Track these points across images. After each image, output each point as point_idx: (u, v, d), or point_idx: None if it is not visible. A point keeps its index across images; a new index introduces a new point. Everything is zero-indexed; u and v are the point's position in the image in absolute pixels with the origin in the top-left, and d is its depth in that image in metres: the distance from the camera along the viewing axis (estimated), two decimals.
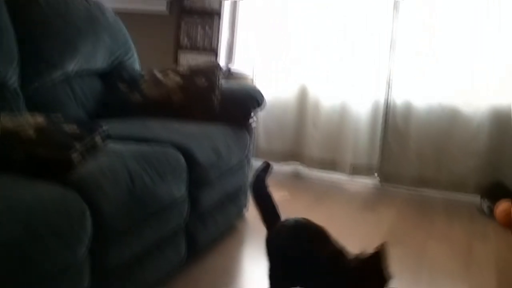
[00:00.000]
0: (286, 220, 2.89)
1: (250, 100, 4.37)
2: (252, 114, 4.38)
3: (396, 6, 5.56)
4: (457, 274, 3.90)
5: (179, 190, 3.20)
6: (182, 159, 3.29)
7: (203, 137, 3.72)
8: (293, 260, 2.72)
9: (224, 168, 3.81)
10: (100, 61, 4.24)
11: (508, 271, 4.12)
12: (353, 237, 4.36)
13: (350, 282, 2.55)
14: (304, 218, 2.89)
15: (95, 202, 2.45)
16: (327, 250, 2.73)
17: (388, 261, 2.55)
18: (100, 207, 2.47)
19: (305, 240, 2.77)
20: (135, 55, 4.61)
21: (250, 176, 4.34)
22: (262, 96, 4.43)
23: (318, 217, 4.67)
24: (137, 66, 4.60)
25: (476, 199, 5.48)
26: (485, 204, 5.30)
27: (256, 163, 4.59)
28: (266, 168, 3.04)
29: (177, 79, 4.24)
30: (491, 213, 5.16)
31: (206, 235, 3.68)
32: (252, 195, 3.06)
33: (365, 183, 5.86)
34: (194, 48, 6.02)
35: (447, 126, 5.56)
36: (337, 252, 2.71)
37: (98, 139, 2.83)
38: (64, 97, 3.88)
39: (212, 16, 6.03)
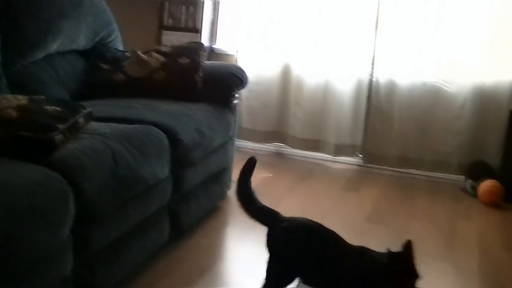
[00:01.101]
0: (293, 219, 2.87)
1: (233, 79, 4.36)
2: (235, 93, 4.38)
3: None
4: (440, 254, 3.92)
5: (163, 170, 3.20)
6: (165, 139, 3.28)
7: (187, 117, 3.70)
8: (305, 256, 2.71)
9: (207, 148, 3.80)
10: (83, 42, 4.21)
11: (491, 249, 4.16)
12: (336, 217, 4.39)
13: (385, 278, 2.57)
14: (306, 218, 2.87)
15: (78, 183, 2.44)
16: (352, 246, 2.75)
17: (416, 259, 2.56)
18: (83, 188, 2.47)
19: (322, 238, 2.77)
20: (119, 36, 4.59)
21: (234, 156, 4.35)
22: (245, 76, 4.42)
23: (302, 197, 4.72)
24: (120, 46, 4.57)
25: (459, 178, 5.51)
26: (468, 184, 5.32)
27: (238, 143, 4.61)
28: (251, 166, 2.97)
29: (161, 59, 4.22)
30: (474, 193, 5.19)
31: (189, 216, 3.68)
32: (239, 201, 2.99)
33: (349, 162, 5.86)
34: (177, 28, 5.99)
35: (430, 105, 5.56)
36: (362, 248, 2.73)
37: (81, 120, 2.82)
38: (47, 78, 3.85)
39: None
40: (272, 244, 2.81)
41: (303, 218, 2.85)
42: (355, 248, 2.74)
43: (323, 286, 2.75)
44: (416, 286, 2.56)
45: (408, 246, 2.56)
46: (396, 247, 2.57)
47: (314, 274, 2.73)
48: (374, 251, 2.69)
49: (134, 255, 3.04)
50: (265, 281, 2.80)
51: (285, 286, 2.81)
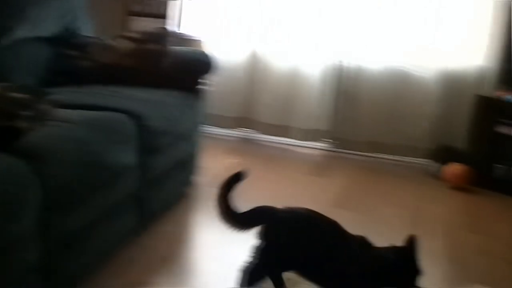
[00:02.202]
0: (291, 209, 2.86)
1: (201, 65, 4.34)
2: (203, 79, 4.36)
3: None
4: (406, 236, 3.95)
5: (130, 157, 3.18)
6: (132, 126, 3.26)
7: (154, 103, 3.69)
8: (303, 248, 2.70)
9: (175, 134, 3.79)
10: (50, 28, 4.16)
11: (456, 232, 4.20)
12: (304, 202, 4.39)
13: (390, 274, 2.59)
14: (307, 208, 2.86)
15: (43, 171, 2.42)
16: (354, 237, 2.75)
17: (419, 254, 2.60)
18: (49, 176, 2.44)
19: (322, 229, 2.76)
20: (86, 22, 4.54)
21: (202, 143, 4.34)
22: (214, 61, 4.40)
23: (270, 182, 4.73)
24: (88, 32, 4.53)
25: (425, 162, 5.57)
26: (435, 167, 5.38)
27: (207, 129, 4.61)
28: (236, 180, 2.93)
29: (128, 45, 4.19)
30: (440, 176, 5.25)
31: (157, 202, 3.67)
32: (223, 219, 2.88)
33: (317, 147, 5.88)
34: (145, 14, 5.95)
35: (398, 90, 5.60)
36: (364, 240, 2.74)
37: (47, 107, 2.80)
38: (13, 64, 3.80)
39: None
40: (269, 234, 2.77)
41: (303, 209, 2.85)
42: (357, 240, 2.74)
43: (322, 280, 2.74)
44: (417, 282, 2.59)
45: (411, 242, 2.59)
46: (400, 243, 2.60)
47: (313, 267, 2.71)
48: (376, 246, 2.71)
49: (101, 243, 3.03)
50: (255, 266, 2.79)
51: (275, 274, 2.83)
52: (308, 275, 2.76)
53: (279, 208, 2.83)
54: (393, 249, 2.60)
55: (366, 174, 5.29)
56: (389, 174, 5.37)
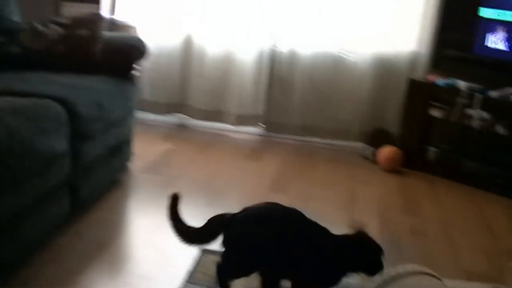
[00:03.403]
0: (245, 209, 2.75)
1: (134, 51, 4.30)
2: (135, 65, 4.32)
3: None
4: (341, 219, 3.99)
5: (61, 144, 3.13)
6: (63, 113, 3.20)
7: (85, 89, 3.64)
8: (265, 244, 2.64)
9: (107, 121, 3.74)
10: None
11: (390, 213, 4.26)
12: (239, 186, 4.42)
13: (356, 258, 2.61)
14: (267, 202, 2.80)
15: None
16: (316, 225, 2.72)
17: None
18: None
19: (280, 222, 2.70)
20: (15, 6, 4.45)
21: (135, 129, 4.30)
22: (146, 47, 4.36)
23: (205, 168, 4.73)
24: (16, 17, 4.44)
25: (359, 145, 5.63)
26: (368, 150, 5.44)
27: (140, 115, 4.57)
28: (175, 203, 2.85)
29: (59, 30, 4.13)
30: (374, 159, 5.31)
31: (90, 189, 3.63)
32: (182, 239, 2.82)
33: (251, 132, 5.89)
34: None
35: (331, 75, 5.63)
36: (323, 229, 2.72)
37: None
38: None
39: None
40: (229, 240, 2.70)
41: (259, 205, 2.77)
42: (319, 228, 2.72)
43: (289, 273, 2.72)
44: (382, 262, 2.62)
45: (359, 227, 2.61)
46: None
47: (278, 263, 2.67)
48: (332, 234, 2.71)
49: (33, 231, 2.98)
50: (223, 273, 2.74)
51: (243, 276, 2.79)
52: (274, 271, 2.74)
53: (234, 213, 2.75)
54: (353, 234, 2.62)
55: (301, 158, 5.32)
56: (323, 158, 5.40)
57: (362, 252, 2.61)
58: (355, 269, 2.67)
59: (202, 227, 2.78)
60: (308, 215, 2.72)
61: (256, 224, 2.67)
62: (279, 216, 2.71)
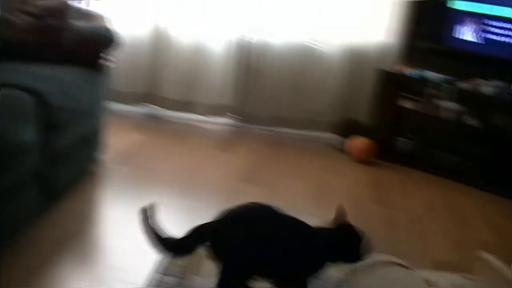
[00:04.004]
0: (221, 218, 2.68)
1: (104, 41, 4.27)
2: (106, 55, 4.30)
3: None
4: (311, 210, 4.01)
5: (29, 134, 3.09)
6: (32, 103, 3.18)
7: (55, 79, 3.61)
8: (247, 247, 2.58)
9: (77, 111, 3.71)
10: None
11: (361, 204, 4.29)
12: (210, 177, 4.42)
13: (335, 249, 2.60)
14: (246, 204, 2.73)
15: None
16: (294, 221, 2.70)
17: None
18: None
19: (258, 222, 2.65)
20: None
21: (106, 119, 4.28)
22: (117, 37, 4.33)
23: (175, 159, 4.71)
24: None
25: (329, 136, 5.64)
26: (339, 141, 5.46)
27: (111, 106, 4.55)
28: (147, 216, 2.73)
29: (27, 19, 4.08)
30: (344, 150, 5.33)
31: (61, 180, 3.60)
32: (165, 251, 2.74)
33: (222, 123, 5.87)
34: None
35: (302, 65, 5.63)
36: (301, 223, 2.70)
37: None
38: None
39: None
40: (220, 249, 2.63)
41: (236, 208, 2.69)
42: (295, 222, 2.70)
43: (277, 274, 2.68)
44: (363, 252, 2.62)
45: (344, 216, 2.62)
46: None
47: (267, 265, 2.63)
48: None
49: (3, 223, 2.94)
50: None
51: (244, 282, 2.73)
52: (265, 273, 2.69)
53: (214, 221, 2.68)
54: (333, 227, 2.62)
55: (272, 149, 5.32)
56: (294, 148, 5.41)
57: (344, 244, 2.60)
58: (336, 260, 2.65)
59: (183, 238, 2.68)
60: (283, 209, 2.71)
61: (243, 227, 2.61)
62: (260, 215, 2.67)
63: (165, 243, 2.68)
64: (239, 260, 2.60)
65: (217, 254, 2.61)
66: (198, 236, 2.65)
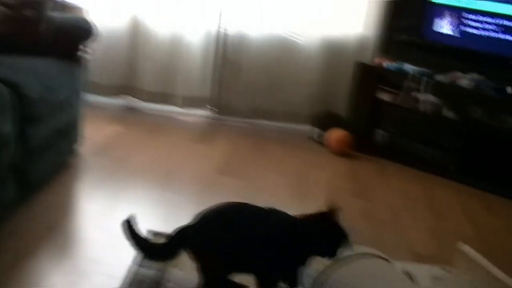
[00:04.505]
0: (205, 215, 2.69)
1: (81, 32, 4.23)
2: (83, 46, 4.26)
3: None
4: (291, 202, 4.01)
5: (6, 126, 3.07)
6: (8, 94, 3.14)
7: (32, 71, 3.58)
8: (225, 245, 2.60)
9: (54, 103, 3.68)
10: None
11: (340, 197, 4.29)
12: (188, 170, 4.40)
13: (314, 241, 2.57)
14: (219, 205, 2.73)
15: None
16: (272, 213, 2.69)
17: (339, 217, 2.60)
18: None
19: (233, 219, 2.65)
20: None
21: (83, 111, 4.25)
22: (93, 28, 4.30)
23: (153, 151, 4.69)
24: None
25: (308, 128, 5.64)
26: (317, 133, 5.46)
27: (89, 98, 4.51)
28: (129, 226, 2.74)
29: (4, 10, 4.04)
30: (323, 142, 5.33)
31: (37, 173, 3.57)
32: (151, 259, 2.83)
33: (199, 115, 5.85)
34: None
35: (280, 57, 5.63)
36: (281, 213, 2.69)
37: None
38: None
39: None
40: (197, 249, 2.67)
41: (213, 208, 2.71)
42: (274, 214, 2.69)
43: (258, 268, 2.67)
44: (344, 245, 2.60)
45: (330, 208, 2.60)
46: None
47: (247, 260, 2.64)
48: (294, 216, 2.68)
49: None
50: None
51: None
52: (247, 269, 2.69)
53: (191, 224, 2.70)
54: (314, 218, 2.60)
55: (250, 141, 5.31)
56: (273, 141, 5.40)
57: (325, 236, 2.59)
58: (316, 253, 2.64)
59: (165, 243, 2.72)
60: (261, 205, 2.70)
61: (221, 227, 2.62)
62: (238, 214, 2.67)
63: (148, 250, 2.74)
64: (220, 260, 2.61)
65: (198, 257, 2.65)
66: (179, 241, 2.68)
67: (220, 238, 2.59)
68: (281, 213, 2.69)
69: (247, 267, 2.68)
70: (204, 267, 2.65)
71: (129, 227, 2.71)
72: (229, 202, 2.72)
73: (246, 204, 2.71)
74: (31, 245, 3.06)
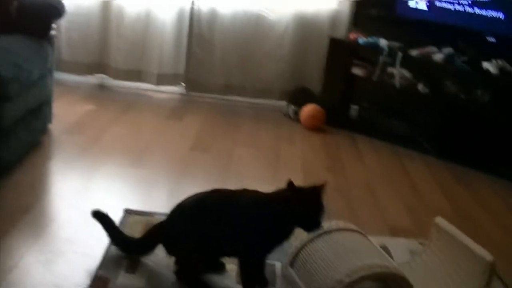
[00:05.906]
0: (180, 206, 2.74)
1: (50, 9, 4.18)
2: (52, 24, 4.21)
3: None
4: (265, 177, 4.01)
5: None
6: None
7: (3, 50, 3.56)
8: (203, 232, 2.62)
9: (25, 82, 3.63)
10: None
11: (314, 171, 4.30)
12: (161, 146, 4.39)
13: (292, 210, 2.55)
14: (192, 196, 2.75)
15: None
16: (245, 194, 2.70)
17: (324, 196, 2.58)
18: None
19: (206, 208, 2.67)
20: None
21: (54, 90, 4.20)
22: (63, 5, 4.24)
23: (125, 128, 4.66)
24: None
25: (282, 104, 5.63)
26: (291, 109, 5.46)
27: (59, 76, 4.47)
28: (107, 221, 2.83)
29: None
30: (297, 118, 5.33)
31: (9, 152, 3.53)
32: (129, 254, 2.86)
33: (172, 92, 5.82)
34: None
35: (252, 33, 5.61)
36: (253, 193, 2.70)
37: None
38: None
39: None
40: (172, 242, 2.72)
41: (186, 200, 2.74)
42: (247, 195, 2.70)
43: (230, 248, 2.69)
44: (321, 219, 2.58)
45: (318, 185, 2.59)
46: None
47: (223, 245, 2.67)
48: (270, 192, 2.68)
49: None
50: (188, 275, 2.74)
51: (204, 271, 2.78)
52: (229, 254, 2.75)
53: (164, 220, 2.76)
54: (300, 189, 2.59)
55: (223, 117, 5.30)
56: (246, 117, 5.39)
57: (301, 212, 2.58)
58: (293, 228, 2.64)
59: (143, 237, 2.82)
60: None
61: (192, 220, 2.64)
62: (209, 203, 2.69)
63: (124, 244, 2.85)
64: (197, 255, 2.65)
65: (172, 251, 2.74)
66: (154, 237, 2.77)
67: (196, 230, 2.63)
68: (252, 192, 2.71)
69: (228, 252, 2.72)
70: (182, 262, 2.71)
71: (102, 219, 2.81)
72: (200, 192, 2.74)
73: (217, 190, 2.75)
74: (4, 225, 3.02)
